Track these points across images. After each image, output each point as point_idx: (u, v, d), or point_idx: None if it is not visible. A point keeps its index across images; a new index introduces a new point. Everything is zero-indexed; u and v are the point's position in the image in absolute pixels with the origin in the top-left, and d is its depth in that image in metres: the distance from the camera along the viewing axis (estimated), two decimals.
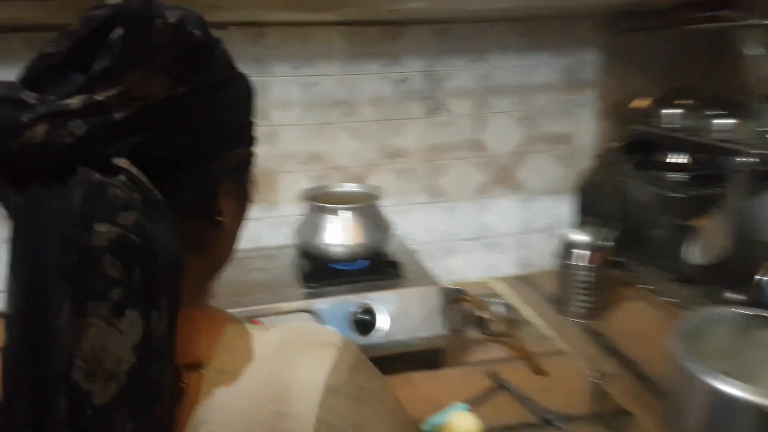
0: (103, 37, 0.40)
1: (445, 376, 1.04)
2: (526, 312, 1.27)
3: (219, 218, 0.50)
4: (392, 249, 1.18)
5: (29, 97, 0.39)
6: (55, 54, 0.41)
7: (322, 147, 1.31)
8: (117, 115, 0.39)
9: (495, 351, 1.12)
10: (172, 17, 0.42)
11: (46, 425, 0.37)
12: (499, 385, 0.99)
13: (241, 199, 0.55)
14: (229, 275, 1.10)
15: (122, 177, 0.39)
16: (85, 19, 0.41)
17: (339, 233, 1.07)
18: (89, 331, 0.36)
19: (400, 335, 1.01)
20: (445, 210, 1.42)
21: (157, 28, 0.41)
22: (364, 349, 0.96)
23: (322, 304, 1.00)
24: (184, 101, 0.43)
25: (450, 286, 1.15)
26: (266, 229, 1.32)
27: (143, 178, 0.40)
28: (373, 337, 1.00)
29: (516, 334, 1.13)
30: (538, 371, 1.04)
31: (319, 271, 1.09)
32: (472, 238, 1.45)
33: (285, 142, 1.28)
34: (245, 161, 0.54)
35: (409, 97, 1.33)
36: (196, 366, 0.44)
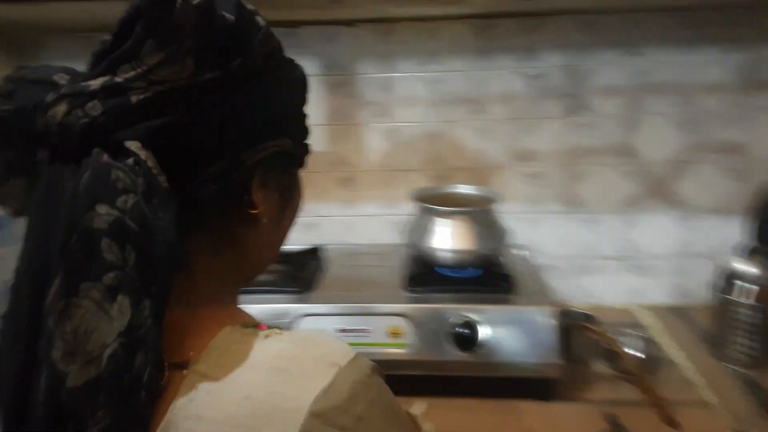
0: (137, 21, 0.40)
1: (554, 410, 0.92)
2: (672, 350, 1.08)
3: (252, 211, 0.47)
4: (509, 260, 1.07)
5: (61, 78, 0.41)
6: (106, 41, 0.42)
7: (444, 146, 1.25)
8: (134, 98, 0.39)
9: (620, 391, 0.96)
10: None
11: (28, 401, 0.36)
12: (616, 431, 0.84)
13: (286, 194, 0.52)
14: (339, 269, 1.13)
15: (130, 160, 0.38)
16: (130, 5, 0.41)
17: (447, 237, 1.00)
18: (76, 312, 0.35)
19: (504, 357, 0.92)
20: (583, 222, 1.27)
21: (179, 9, 0.39)
22: (462, 365, 0.91)
23: (419, 310, 0.94)
24: (211, 87, 0.42)
25: (576, 310, 1.01)
26: (384, 226, 1.30)
27: (150, 163, 0.39)
28: (473, 355, 0.91)
29: (648, 375, 0.95)
30: (670, 422, 0.86)
31: (424, 276, 1.03)
32: (616, 257, 1.29)
33: (407, 139, 1.25)
34: (288, 154, 0.50)
35: (546, 95, 1.21)
36: (182, 365, 0.41)
